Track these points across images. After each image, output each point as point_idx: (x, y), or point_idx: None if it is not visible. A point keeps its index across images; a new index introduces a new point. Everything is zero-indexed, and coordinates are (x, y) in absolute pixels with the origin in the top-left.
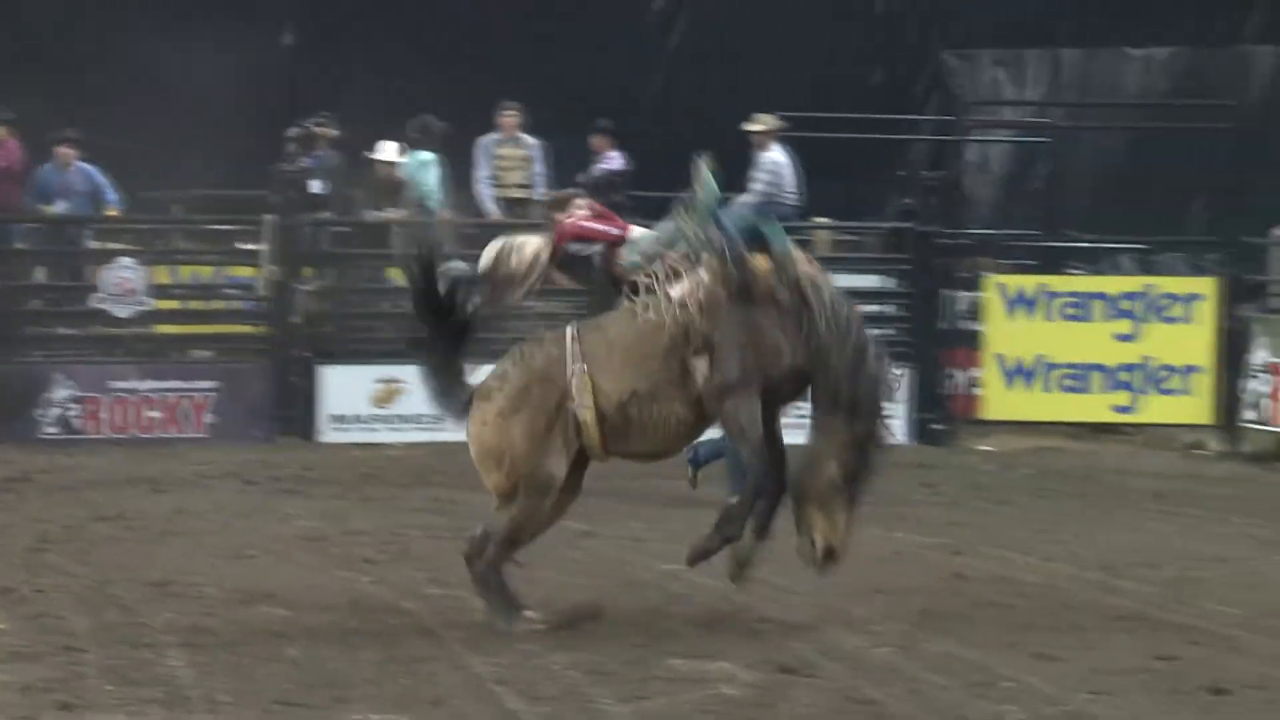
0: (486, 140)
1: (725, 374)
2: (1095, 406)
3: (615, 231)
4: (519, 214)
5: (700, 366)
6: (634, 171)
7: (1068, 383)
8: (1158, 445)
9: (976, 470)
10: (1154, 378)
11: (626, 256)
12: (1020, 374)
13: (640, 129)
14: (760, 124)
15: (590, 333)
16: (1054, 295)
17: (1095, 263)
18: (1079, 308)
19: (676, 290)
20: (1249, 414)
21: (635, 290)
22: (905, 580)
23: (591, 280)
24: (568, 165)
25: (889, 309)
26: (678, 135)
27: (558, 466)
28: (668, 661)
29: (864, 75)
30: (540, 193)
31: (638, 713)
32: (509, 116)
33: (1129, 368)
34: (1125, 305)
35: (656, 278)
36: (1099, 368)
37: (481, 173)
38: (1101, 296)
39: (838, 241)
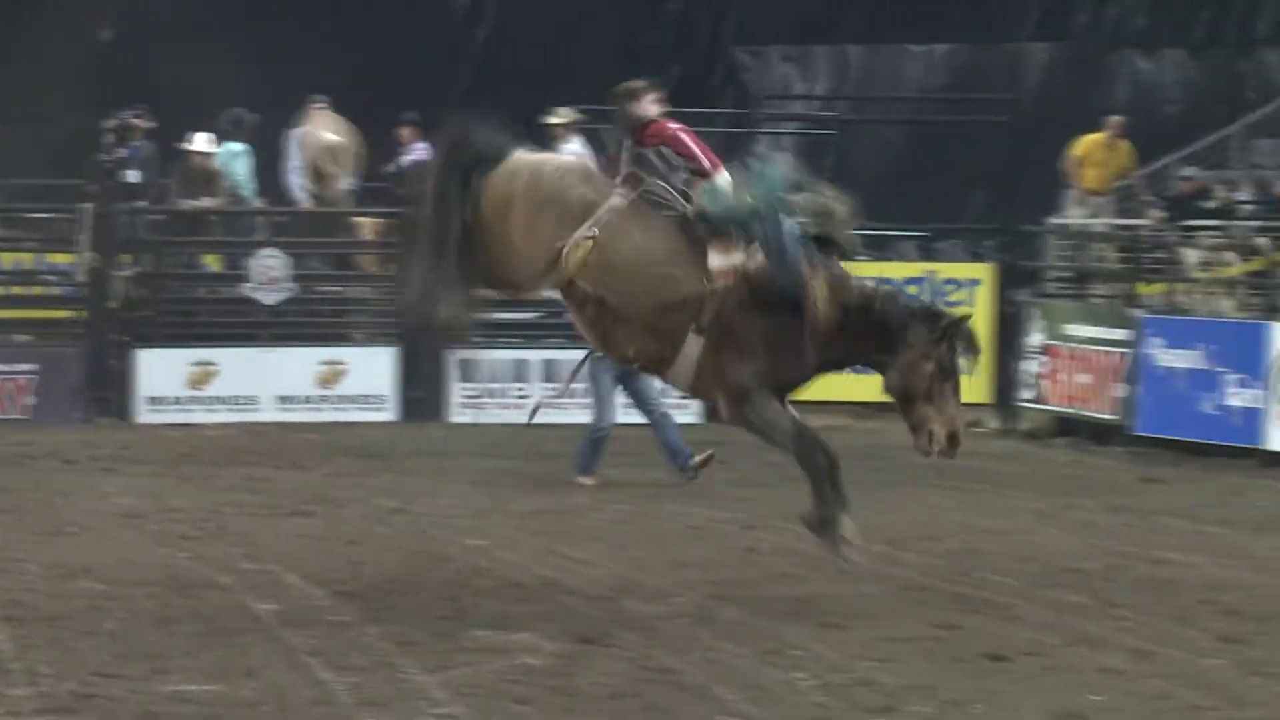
0: (297, 132)
1: (738, 378)
2: (879, 386)
3: (707, 164)
4: (329, 203)
5: (693, 342)
6: None
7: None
8: None
9: (767, 447)
10: None
11: (704, 198)
12: None
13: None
14: (560, 117)
15: (621, 219)
16: None
17: (880, 250)
18: None
19: (717, 259)
20: (1025, 394)
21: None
22: (701, 553)
23: (658, 195)
24: (375, 156)
25: None
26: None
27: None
28: (473, 633)
29: (660, 71)
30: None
31: (444, 682)
32: (318, 109)
33: None
34: (909, 290)
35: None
36: None
37: (292, 163)
38: (886, 282)
39: None
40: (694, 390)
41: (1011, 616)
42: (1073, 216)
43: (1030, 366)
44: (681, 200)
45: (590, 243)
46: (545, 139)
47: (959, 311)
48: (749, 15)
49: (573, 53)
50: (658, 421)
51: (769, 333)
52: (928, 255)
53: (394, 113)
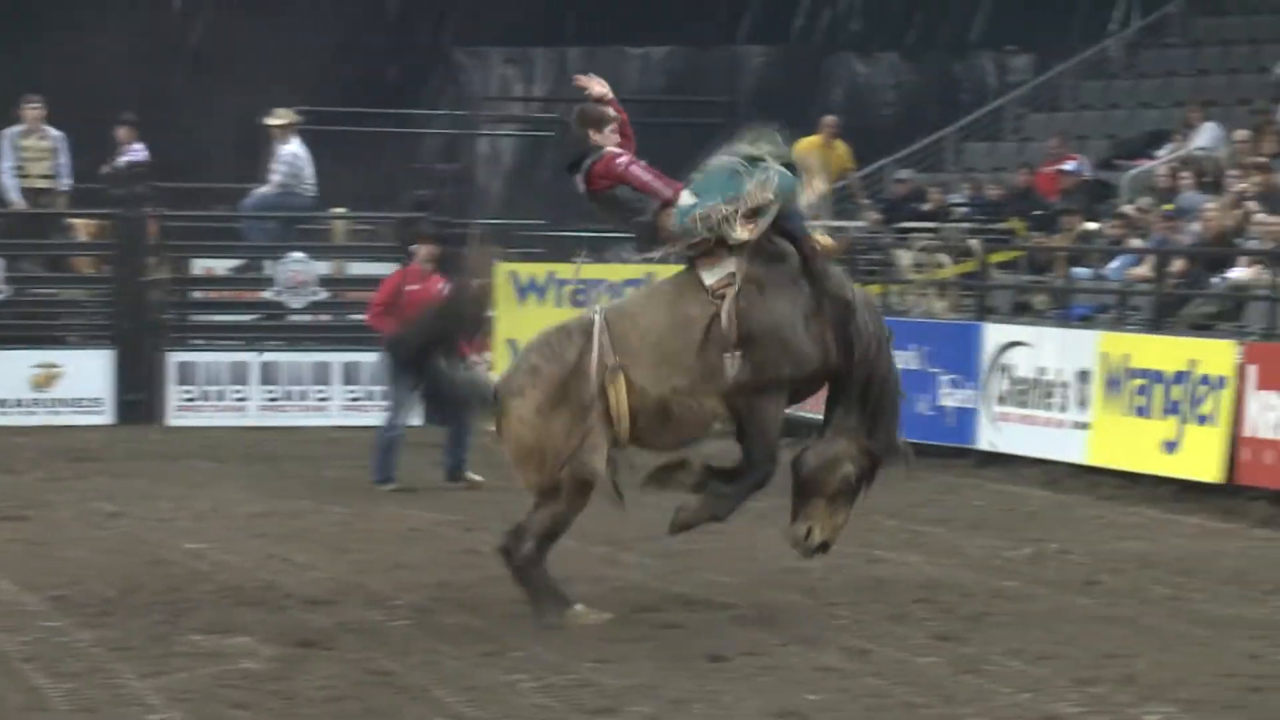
0: (10, 132)
1: (758, 372)
2: None
3: (667, 193)
4: (44, 204)
5: (730, 363)
6: (157, 163)
7: None
8: None
9: (492, 450)
10: None
11: (676, 220)
12: None
13: (164, 121)
14: (279, 118)
15: (621, 321)
16: (562, 283)
17: (599, 252)
18: (585, 294)
19: (711, 276)
20: None
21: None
22: (421, 556)
23: (631, 227)
24: (92, 156)
25: None
26: (199, 128)
27: (599, 462)
28: (189, 637)
29: (381, 71)
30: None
31: (160, 688)
32: (32, 109)
33: None
34: (627, 292)
35: (696, 256)
36: None
37: (5, 164)
38: (605, 283)
39: (355, 231)
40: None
41: (731, 616)
42: None
43: None
44: (646, 234)
45: (623, 408)
46: (265, 139)
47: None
48: (469, 17)
49: (292, 52)
50: (458, 427)
51: (782, 320)
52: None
53: (111, 113)
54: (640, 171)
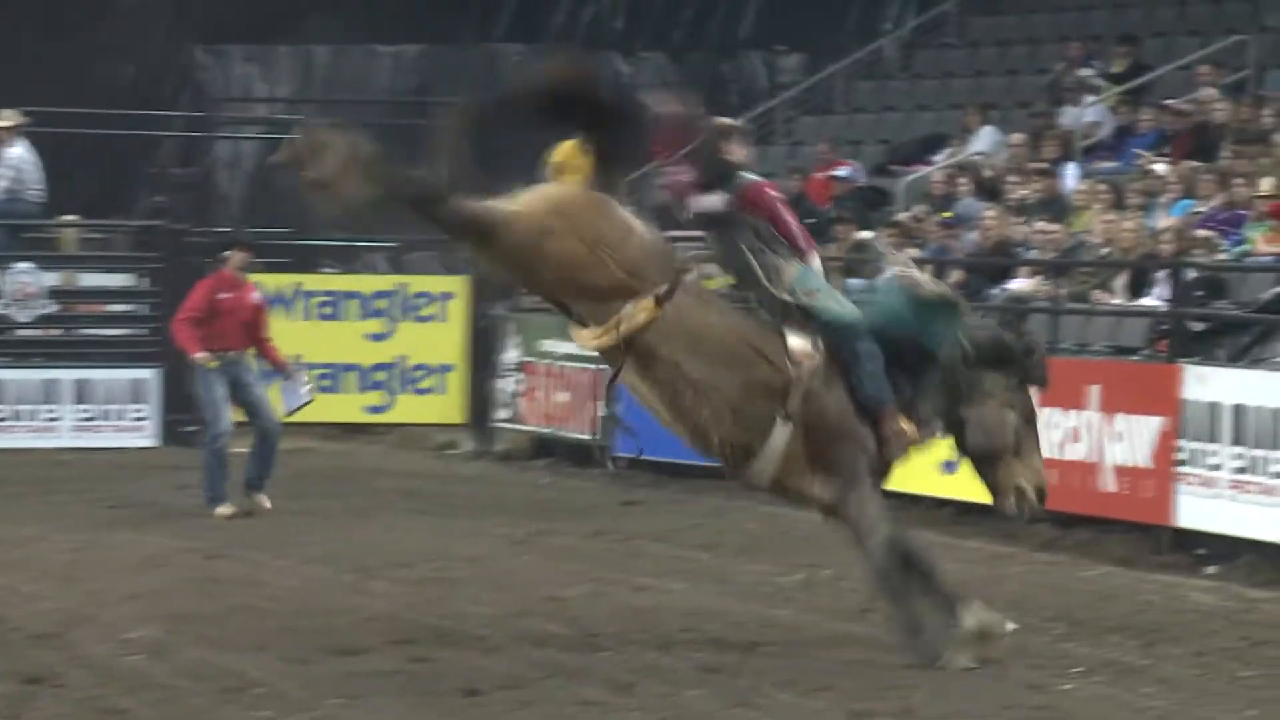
0: None
1: (847, 462)
2: (348, 407)
3: (803, 244)
4: None
5: (781, 431)
6: None
7: (323, 383)
8: (411, 445)
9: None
10: (408, 377)
11: (799, 276)
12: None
13: None
14: (2, 120)
15: (699, 307)
16: (309, 294)
17: (348, 261)
18: (332, 307)
19: (797, 341)
20: (501, 413)
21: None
22: (157, 585)
23: (729, 262)
24: None
25: (140, 308)
26: None
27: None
28: None
29: (113, 69)
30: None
31: None
32: None
33: (383, 367)
34: (379, 304)
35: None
36: (353, 367)
37: None
38: (355, 295)
39: (86, 240)
40: (776, 487)
41: (487, 648)
42: None
43: (506, 385)
44: (765, 278)
45: (652, 303)
46: None
47: (1023, 342)
48: (209, 13)
49: (15, 51)
50: (263, 441)
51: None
52: (399, 267)
53: None
54: (786, 213)
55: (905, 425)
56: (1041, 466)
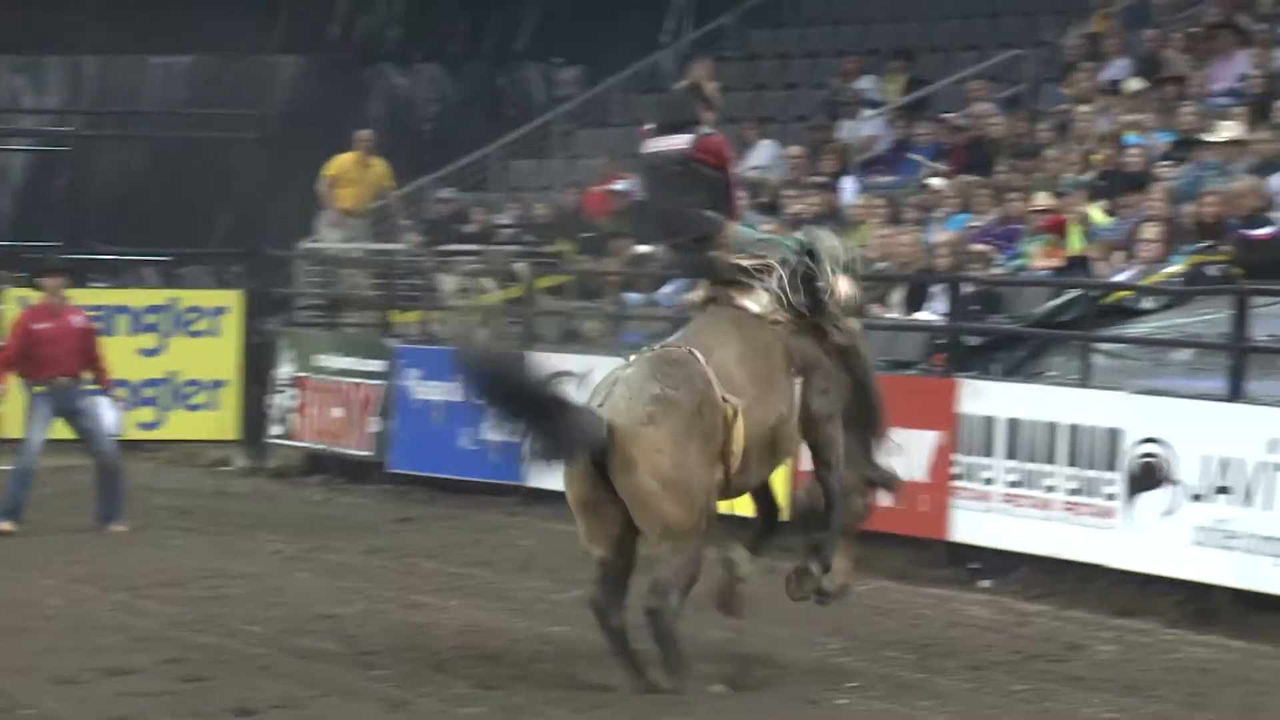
0: None
1: (828, 403)
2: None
3: (739, 209)
4: None
5: (798, 388)
6: None
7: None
8: (183, 462)
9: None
10: (180, 393)
11: (740, 234)
12: None
13: None
14: None
15: (713, 351)
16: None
17: (118, 276)
18: (102, 321)
19: (757, 305)
20: (275, 429)
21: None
22: None
23: (660, 230)
24: None
25: None
26: None
27: (715, 501)
28: None
29: None
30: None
31: None
32: None
33: (154, 383)
34: (149, 319)
35: (726, 288)
36: (123, 383)
37: None
38: (125, 310)
39: None
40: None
41: (260, 667)
42: (328, 240)
43: (280, 400)
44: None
45: (739, 444)
46: None
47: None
48: None
49: None
50: (101, 471)
51: (818, 353)
52: (171, 281)
53: None
54: (735, 174)
55: None
56: (851, 565)
